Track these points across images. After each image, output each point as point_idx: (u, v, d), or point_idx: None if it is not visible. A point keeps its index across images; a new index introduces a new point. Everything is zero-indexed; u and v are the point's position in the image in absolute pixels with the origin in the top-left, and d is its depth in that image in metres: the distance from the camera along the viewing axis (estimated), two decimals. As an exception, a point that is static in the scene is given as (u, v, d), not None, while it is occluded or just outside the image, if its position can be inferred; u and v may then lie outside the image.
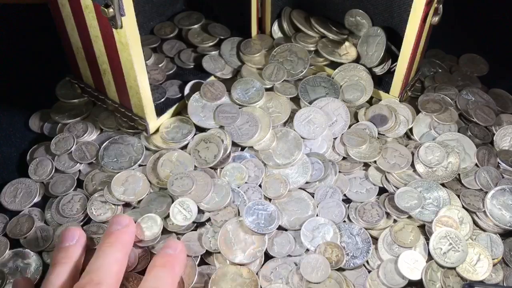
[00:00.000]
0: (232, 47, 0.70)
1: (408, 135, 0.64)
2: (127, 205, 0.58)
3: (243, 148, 0.62)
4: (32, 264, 0.54)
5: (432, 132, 0.63)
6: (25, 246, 0.55)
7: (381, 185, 0.59)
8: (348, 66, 0.67)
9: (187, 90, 0.65)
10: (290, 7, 0.72)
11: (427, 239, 0.55)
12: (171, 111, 0.64)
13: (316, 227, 0.55)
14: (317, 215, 0.56)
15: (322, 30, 0.69)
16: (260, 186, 0.59)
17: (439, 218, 0.55)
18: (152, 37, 0.72)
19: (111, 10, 0.49)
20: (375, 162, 0.60)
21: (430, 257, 0.54)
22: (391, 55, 0.67)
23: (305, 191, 0.58)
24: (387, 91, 0.65)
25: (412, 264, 0.53)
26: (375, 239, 0.55)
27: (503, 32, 0.76)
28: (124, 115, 0.62)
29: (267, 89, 0.66)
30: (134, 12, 0.50)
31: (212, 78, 0.68)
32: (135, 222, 0.54)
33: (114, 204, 0.57)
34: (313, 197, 0.58)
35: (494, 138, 0.63)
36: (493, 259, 0.53)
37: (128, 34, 0.51)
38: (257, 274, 0.53)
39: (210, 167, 0.59)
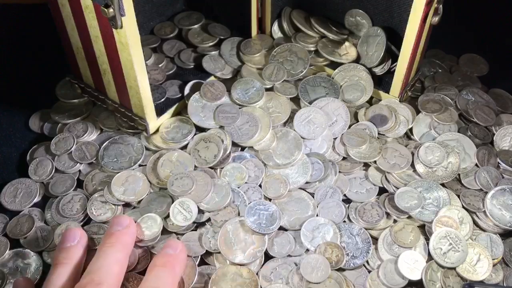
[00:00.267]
0: (232, 47, 0.70)
1: (408, 135, 0.63)
2: (127, 205, 0.58)
3: (243, 148, 0.62)
4: (32, 264, 0.54)
5: (432, 132, 0.63)
6: (25, 246, 0.55)
7: (381, 185, 0.59)
8: (348, 66, 0.67)
9: (187, 90, 0.65)
10: (290, 7, 0.72)
11: (427, 239, 0.55)
12: (171, 111, 0.64)
13: (316, 227, 0.55)
14: (317, 215, 0.56)
15: (322, 30, 0.69)
16: (260, 186, 0.58)
17: (439, 218, 0.55)
18: (152, 37, 0.72)
19: (111, 10, 0.49)
20: (375, 162, 0.60)
21: (430, 257, 0.54)
22: (391, 55, 0.67)
23: (305, 191, 0.58)
24: (387, 91, 0.65)
25: (412, 264, 0.53)
26: (375, 239, 0.55)
27: (503, 32, 0.75)
28: (124, 115, 0.62)
29: (267, 89, 0.66)
30: (134, 12, 0.50)
31: (212, 78, 0.68)
32: (135, 222, 0.54)
33: (114, 204, 0.57)
34: (313, 197, 0.58)
35: (494, 138, 0.63)
36: (493, 259, 0.53)
37: (128, 34, 0.51)
38: (257, 274, 0.53)
39: (210, 167, 0.59)
